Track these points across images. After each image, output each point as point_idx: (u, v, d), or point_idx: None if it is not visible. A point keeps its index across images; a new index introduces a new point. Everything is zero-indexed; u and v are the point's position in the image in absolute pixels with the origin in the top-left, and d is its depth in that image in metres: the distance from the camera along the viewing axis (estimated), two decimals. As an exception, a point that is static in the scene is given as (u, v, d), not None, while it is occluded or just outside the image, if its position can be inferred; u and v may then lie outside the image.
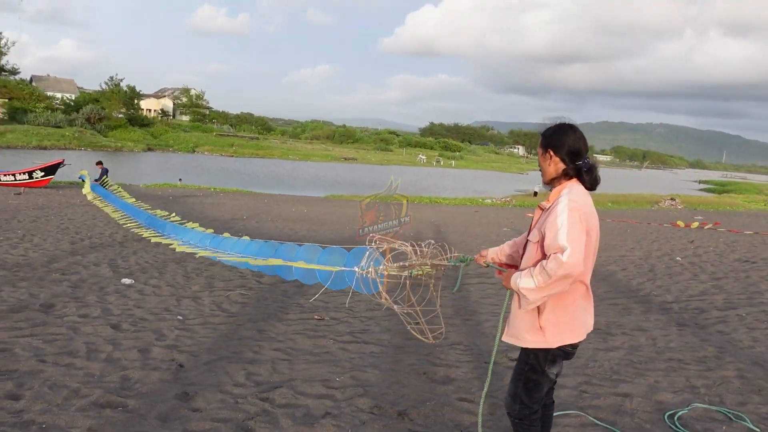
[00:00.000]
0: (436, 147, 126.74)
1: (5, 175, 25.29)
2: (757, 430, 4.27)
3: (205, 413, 4.30)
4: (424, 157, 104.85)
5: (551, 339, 3.08)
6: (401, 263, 3.81)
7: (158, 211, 11.90)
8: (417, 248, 3.76)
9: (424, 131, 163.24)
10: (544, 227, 3.04)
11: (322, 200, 30.04)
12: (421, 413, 4.47)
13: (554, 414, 4.39)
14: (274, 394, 4.71)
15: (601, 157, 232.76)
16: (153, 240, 10.10)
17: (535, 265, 3.02)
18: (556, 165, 3.16)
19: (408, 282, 3.79)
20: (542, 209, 3.21)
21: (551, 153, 3.16)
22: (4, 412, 4.15)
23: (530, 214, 3.62)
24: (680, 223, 22.93)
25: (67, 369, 5.04)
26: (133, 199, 14.98)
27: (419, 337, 3.91)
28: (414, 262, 3.72)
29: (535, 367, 3.15)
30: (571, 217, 2.93)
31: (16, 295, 7.36)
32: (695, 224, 22.51)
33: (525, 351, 3.19)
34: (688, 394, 5.01)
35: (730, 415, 4.54)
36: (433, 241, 3.79)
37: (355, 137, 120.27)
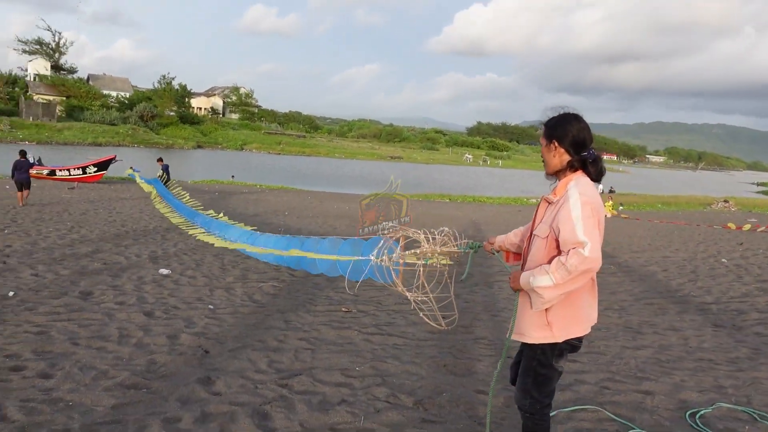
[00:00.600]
0: (483, 146, 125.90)
1: (61, 170, 26.27)
2: (782, 431, 4.15)
3: (224, 397, 4.41)
4: (470, 156, 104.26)
5: (558, 333, 3.05)
6: (414, 251, 3.82)
7: (213, 212, 12.04)
8: (429, 236, 3.76)
9: (472, 131, 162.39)
10: (555, 222, 2.97)
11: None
12: (436, 403, 4.49)
13: (571, 408, 4.38)
14: (293, 381, 4.80)
15: (654, 158, 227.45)
16: (198, 237, 10.33)
17: (549, 261, 2.97)
18: (560, 156, 3.07)
19: (422, 270, 3.79)
20: (549, 203, 3.12)
21: (556, 144, 3.07)
22: (35, 390, 4.34)
23: (507, 261, 3.66)
24: (731, 225, 22.27)
25: (98, 352, 5.24)
26: (192, 201, 15.14)
27: (431, 323, 3.89)
28: (425, 249, 3.72)
29: (544, 362, 3.12)
30: (584, 211, 2.88)
31: (57, 282, 7.66)
32: (747, 226, 21.83)
33: (531, 346, 3.15)
34: (715, 393, 4.89)
35: (755, 415, 4.42)
36: (446, 229, 3.79)
37: (402, 136, 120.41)
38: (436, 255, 3.73)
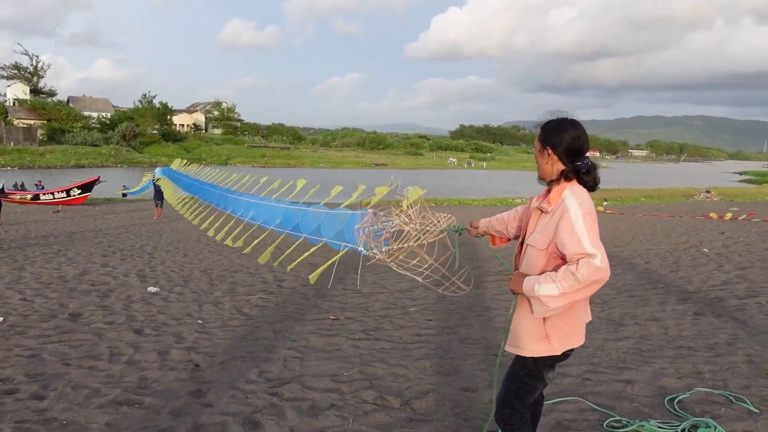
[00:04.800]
0: (467, 149, 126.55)
1: (44, 194, 26.20)
2: (756, 410, 4.30)
3: (215, 408, 4.51)
4: (455, 159, 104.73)
5: (557, 345, 2.97)
6: (393, 231, 3.72)
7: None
8: (407, 219, 3.64)
9: (455, 134, 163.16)
10: (558, 236, 2.85)
11: (351, 206, 30.30)
12: (423, 403, 4.61)
13: (553, 401, 4.52)
14: (282, 389, 4.90)
15: (636, 152, 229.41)
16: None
17: (554, 270, 2.85)
18: (554, 164, 2.98)
19: (416, 246, 3.65)
20: (542, 211, 3.00)
21: (549, 151, 2.97)
22: (29, 411, 4.42)
23: (493, 245, 3.65)
24: (713, 215, 22.60)
25: (89, 371, 5.32)
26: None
27: (452, 293, 3.82)
28: (407, 229, 3.61)
29: (533, 373, 3.04)
30: (586, 222, 2.80)
31: (47, 306, 7.72)
32: (728, 216, 22.16)
33: (523, 357, 3.05)
34: (693, 379, 5.05)
35: (731, 397, 4.57)
36: (409, 188, 3.73)
37: (386, 143, 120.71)
38: (419, 235, 3.60)
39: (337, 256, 5.36)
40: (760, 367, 5.31)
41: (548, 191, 3.04)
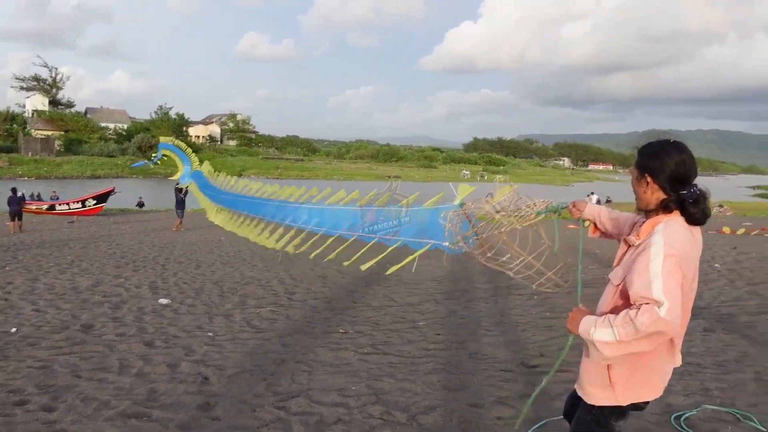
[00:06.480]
0: (480, 162, 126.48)
1: (60, 204, 26.52)
2: (763, 429, 4.28)
3: (222, 422, 4.55)
4: (468, 172, 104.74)
5: (622, 397, 2.62)
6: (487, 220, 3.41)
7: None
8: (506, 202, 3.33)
9: (468, 147, 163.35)
10: (630, 270, 2.52)
11: (363, 219, 30.36)
12: (430, 418, 4.62)
13: (553, 418, 4.51)
14: (290, 403, 4.93)
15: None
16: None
17: (615, 312, 2.53)
18: (654, 193, 2.60)
19: (505, 236, 3.33)
20: (629, 245, 2.68)
21: (649, 179, 2.60)
22: (38, 423, 4.49)
23: (592, 234, 3.24)
24: (726, 230, 22.41)
25: (99, 383, 5.38)
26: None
27: (548, 290, 3.41)
28: (498, 217, 3.28)
29: (600, 421, 2.71)
30: (666, 265, 2.40)
31: (59, 317, 7.81)
32: (741, 231, 21.97)
33: (588, 403, 2.76)
34: (701, 396, 5.02)
35: (738, 415, 4.55)
36: (498, 180, 3.48)
37: (399, 155, 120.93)
38: (512, 220, 3.25)
39: (419, 252, 5.02)
40: (770, 385, 5.27)
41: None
